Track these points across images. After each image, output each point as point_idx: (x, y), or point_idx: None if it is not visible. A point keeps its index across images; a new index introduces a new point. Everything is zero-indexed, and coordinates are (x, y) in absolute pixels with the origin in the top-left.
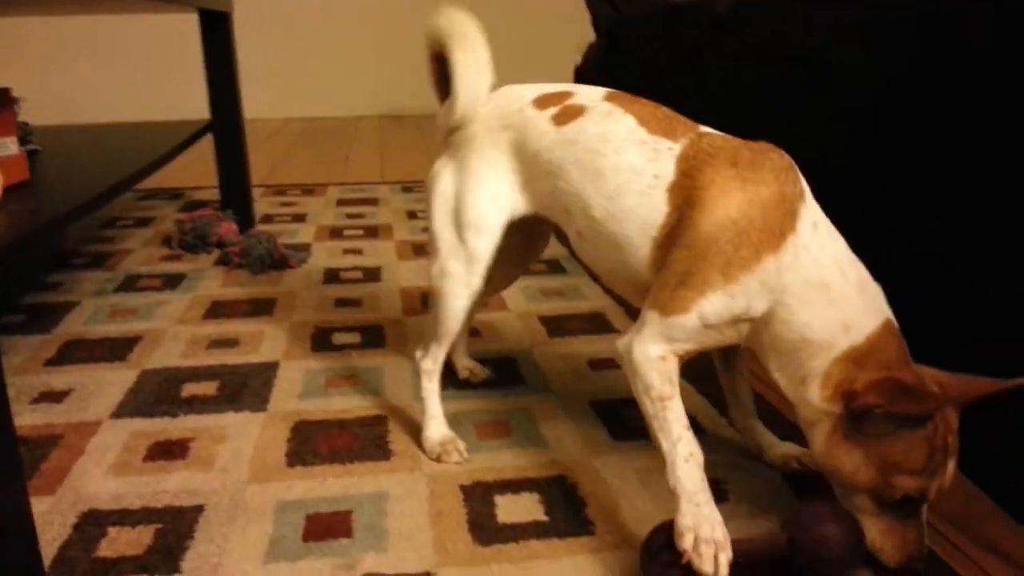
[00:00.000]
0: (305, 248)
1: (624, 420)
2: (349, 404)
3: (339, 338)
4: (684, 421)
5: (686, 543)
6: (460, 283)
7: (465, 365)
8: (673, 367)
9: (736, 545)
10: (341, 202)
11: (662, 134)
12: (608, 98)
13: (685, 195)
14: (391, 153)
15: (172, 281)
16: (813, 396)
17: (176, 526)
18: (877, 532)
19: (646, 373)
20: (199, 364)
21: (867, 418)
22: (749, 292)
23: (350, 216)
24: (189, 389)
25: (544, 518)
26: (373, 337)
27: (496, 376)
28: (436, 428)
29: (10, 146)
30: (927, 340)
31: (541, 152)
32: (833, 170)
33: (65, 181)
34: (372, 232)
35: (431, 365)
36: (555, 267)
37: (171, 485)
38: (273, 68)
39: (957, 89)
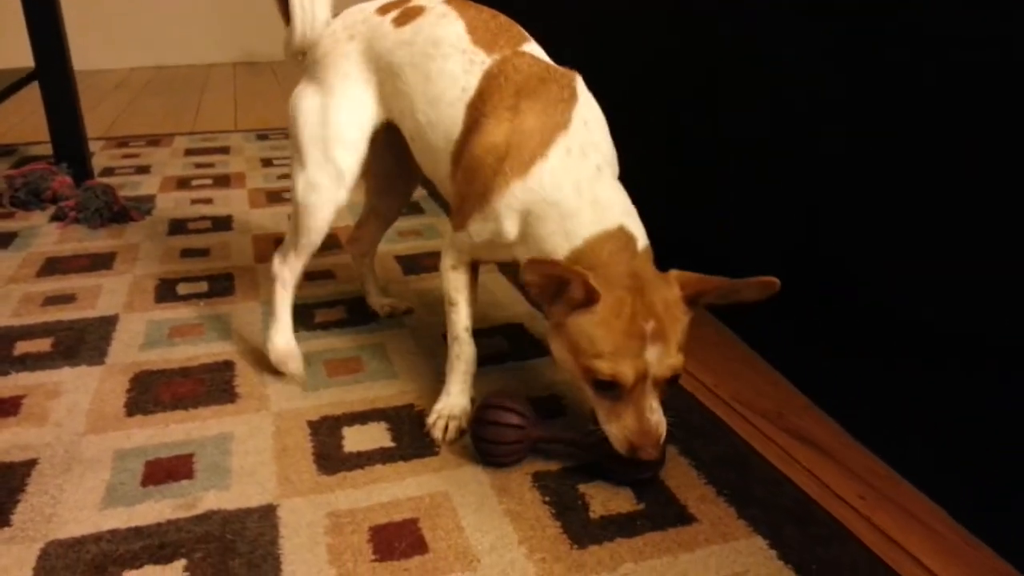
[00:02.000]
0: (149, 200)
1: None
2: (195, 352)
3: (185, 288)
4: (465, 323)
5: (429, 421)
6: (327, 197)
7: (384, 303)
8: (462, 276)
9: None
10: (190, 151)
11: (483, 45)
12: (447, 0)
13: (474, 115)
14: (245, 101)
15: (3, 240)
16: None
17: (6, 482)
18: (603, 419)
19: (443, 280)
20: (32, 322)
21: (539, 302)
22: (500, 215)
23: (199, 166)
24: (21, 347)
25: (391, 444)
26: (222, 286)
27: (348, 316)
28: (282, 336)
29: None
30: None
31: (383, 55)
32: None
33: None
34: (223, 181)
35: (288, 275)
36: (414, 208)
37: (1, 442)
38: (115, 13)
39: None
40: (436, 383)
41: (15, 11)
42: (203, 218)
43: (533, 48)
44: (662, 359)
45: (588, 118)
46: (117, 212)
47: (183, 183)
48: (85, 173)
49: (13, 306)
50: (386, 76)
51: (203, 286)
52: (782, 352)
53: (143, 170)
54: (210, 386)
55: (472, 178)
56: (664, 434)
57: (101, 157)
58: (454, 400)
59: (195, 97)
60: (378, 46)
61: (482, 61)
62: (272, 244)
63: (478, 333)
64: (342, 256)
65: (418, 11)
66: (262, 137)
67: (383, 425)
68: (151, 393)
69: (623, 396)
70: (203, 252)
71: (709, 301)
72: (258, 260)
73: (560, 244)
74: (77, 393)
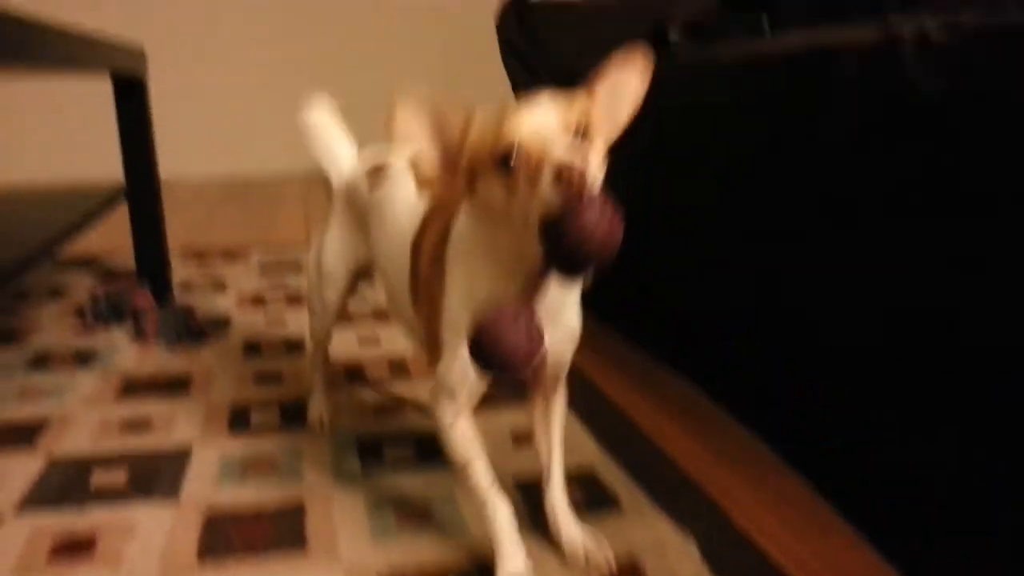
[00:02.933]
0: (225, 319)
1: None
2: (266, 491)
3: (257, 417)
4: (487, 481)
5: None
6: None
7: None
8: (465, 429)
9: None
10: (263, 267)
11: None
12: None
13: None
14: (316, 214)
15: (84, 357)
16: None
17: None
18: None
19: (444, 444)
20: (109, 450)
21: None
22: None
23: (272, 283)
24: (98, 478)
25: None
26: (294, 416)
27: (416, 453)
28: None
29: None
30: None
31: (363, 212)
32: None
33: None
34: (296, 300)
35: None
36: None
37: None
38: (193, 125)
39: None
40: None
41: (100, 123)
42: (277, 340)
43: None
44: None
45: None
46: (194, 332)
47: (257, 301)
48: (165, 289)
49: (91, 431)
50: (365, 229)
51: (275, 415)
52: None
53: (219, 286)
54: (281, 530)
55: (427, 299)
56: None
57: (179, 270)
58: (510, 565)
59: (268, 209)
60: (360, 204)
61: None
62: (342, 372)
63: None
64: (415, 386)
65: (386, 173)
66: None
67: None
68: (223, 536)
69: (525, 167)
70: (276, 377)
71: None
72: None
73: None
74: (150, 534)
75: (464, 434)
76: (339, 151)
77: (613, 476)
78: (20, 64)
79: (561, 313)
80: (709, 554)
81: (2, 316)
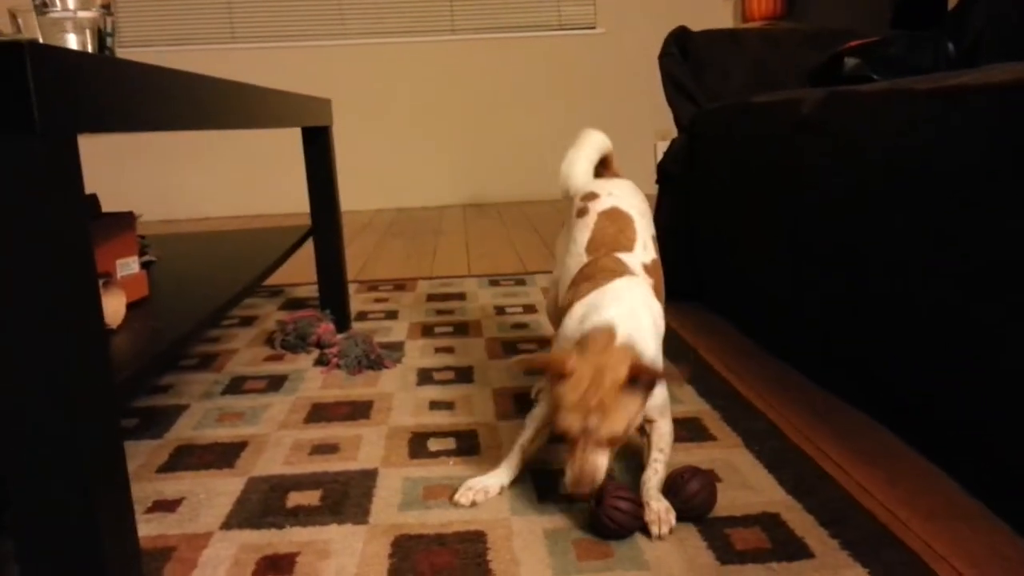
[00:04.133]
0: (399, 347)
1: (730, 541)
2: (448, 517)
3: (435, 444)
4: (522, 441)
5: (458, 494)
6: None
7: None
8: (540, 409)
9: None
10: (431, 297)
11: (589, 251)
12: (603, 207)
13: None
14: (476, 244)
15: (275, 383)
16: None
17: None
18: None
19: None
20: (302, 471)
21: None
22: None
23: (440, 312)
24: (294, 498)
25: None
26: (468, 443)
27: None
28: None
29: (132, 265)
30: None
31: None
32: (915, 265)
33: (183, 295)
34: (462, 329)
35: None
36: None
37: None
38: (365, 164)
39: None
40: None
41: (283, 165)
42: (447, 368)
43: (626, 255)
44: (599, 426)
45: (619, 286)
46: (373, 360)
47: (427, 330)
48: (345, 319)
49: (285, 453)
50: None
51: (451, 443)
52: None
53: (391, 315)
54: (464, 559)
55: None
56: (599, 479)
57: (355, 300)
58: (484, 480)
59: (432, 240)
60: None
61: (583, 260)
62: (510, 401)
63: (728, 521)
64: None
65: (585, 211)
66: (493, 283)
67: None
68: (410, 562)
69: (572, 447)
70: (449, 405)
71: (646, 381)
72: (499, 417)
73: (582, 328)
74: (344, 555)
75: (537, 410)
76: (580, 173)
77: (802, 522)
78: (241, 124)
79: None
80: None
81: (202, 343)
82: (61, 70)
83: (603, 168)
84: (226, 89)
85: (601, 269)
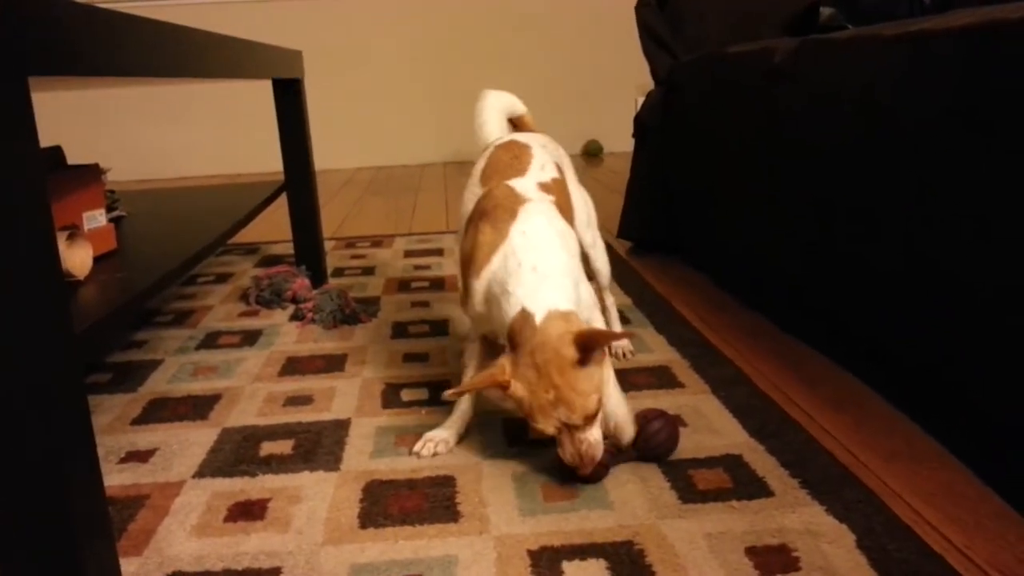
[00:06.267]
0: (375, 302)
1: (693, 482)
2: (418, 463)
3: (408, 394)
4: (465, 386)
5: (417, 445)
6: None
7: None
8: (473, 346)
9: None
10: (408, 253)
11: (483, 181)
12: (501, 143)
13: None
14: (455, 200)
15: (250, 338)
16: None
17: None
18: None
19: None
20: (275, 422)
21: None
22: (472, 300)
23: (417, 268)
24: (266, 448)
25: None
26: (441, 394)
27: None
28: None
29: (99, 218)
30: None
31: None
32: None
33: (151, 248)
34: (438, 284)
35: None
36: (622, 319)
37: (250, 547)
38: (346, 121)
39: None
40: (655, 520)
41: (260, 123)
42: (422, 322)
43: (518, 181)
44: (570, 415)
45: (525, 229)
46: (348, 315)
47: (403, 285)
48: (321, 274)
49: (259, 405)
50: None
51: (424, 393)
52: None
53: (368, 271)
54: (434, 502)
55: (463, 272)
56: (599, 454)
57: (332, 257)
58: (441, 432)
59: (411, 198)
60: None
61: (478, 192)
62: (486, 350)
63: (691, 463)
64: None
65: (486, 150)
66: None
67: (603, 563)
68: (381, 505)
69: (560, 439)
70: (423, 357)
71: (596, 346)
72: None
73: (505, 323)
74: (315, 500)
75: (471, 348)
76: (489, 133)
77: (764, 464)
78: (208, 73)
79: None
80: (867, 544)
81: (176, 300)
82: (6, 7)
83: (520, 128)
84: (187, 35)
85: (496, 205)
